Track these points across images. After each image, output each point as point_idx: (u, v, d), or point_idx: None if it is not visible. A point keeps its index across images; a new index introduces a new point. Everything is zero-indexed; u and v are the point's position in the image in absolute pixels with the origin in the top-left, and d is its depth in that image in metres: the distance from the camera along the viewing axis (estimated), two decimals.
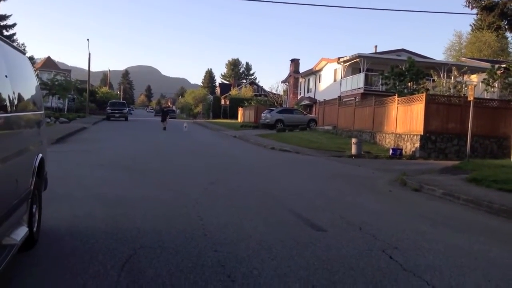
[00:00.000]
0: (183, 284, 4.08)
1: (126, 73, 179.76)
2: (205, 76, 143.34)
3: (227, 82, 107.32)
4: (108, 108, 49.97)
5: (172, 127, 35.90)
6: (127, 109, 54.24)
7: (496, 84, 28.41)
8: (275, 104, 53.28)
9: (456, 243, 6.10)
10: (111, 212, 6.80)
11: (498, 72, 28.55)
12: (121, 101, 63.60)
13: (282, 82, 60.58)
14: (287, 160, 17.73)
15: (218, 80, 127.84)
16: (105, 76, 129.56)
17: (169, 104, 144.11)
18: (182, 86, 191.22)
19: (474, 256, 5.49)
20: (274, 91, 62.33)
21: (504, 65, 30.30)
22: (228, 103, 72.12)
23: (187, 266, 4.53)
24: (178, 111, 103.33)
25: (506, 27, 15.66)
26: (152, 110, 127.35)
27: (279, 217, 7.14)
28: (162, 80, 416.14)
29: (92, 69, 56.97)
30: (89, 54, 53.74)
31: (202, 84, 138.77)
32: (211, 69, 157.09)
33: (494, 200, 9.09)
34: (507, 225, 7.60)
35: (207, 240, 5.54)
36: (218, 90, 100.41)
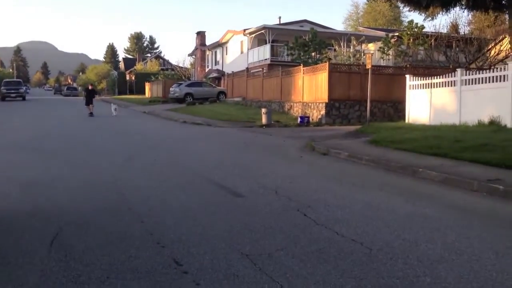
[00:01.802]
0: (115, 253, 4.26)
1: (18, 50, 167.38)
2: (106, 51, 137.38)
3: (131, 57, 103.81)
4: (3, 87, 46.54)
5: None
6: (24, 88, 50.86)
7: (390, 52, 30.46)
8: (183, 77, 52.73)
9: (360, 198, 6.78)
10: (27, 193, 6.69)
11: (392, 40, 30.63)
12: (17, 79, 59.34)
13: (189, 55, 59.94)
14: (200, 132, 17.95)
15: (122, 55, 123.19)
16: None
17: (69, 81, 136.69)
18: (82, 62, 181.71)
19: (376, 208, 6.18)
20: (181, 65, 61.53)
21: (397, 34, 32.51)
22: (134, 78, 70.07)
23: (116, 238, 4.71)
24: (79, 88, 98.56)
25: None
26: (51, 88, 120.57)
27: (199, 187, 7.43)
28: (59, 56, 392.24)
29: None
30: None
31: (104, 60, 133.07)
32: (112, 43, 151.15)
33: (391, 158, 10.06)
34: (402, 179, 8.51)
35: (132, 213, 5.70)
36: (122, 65, 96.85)
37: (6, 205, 5.97)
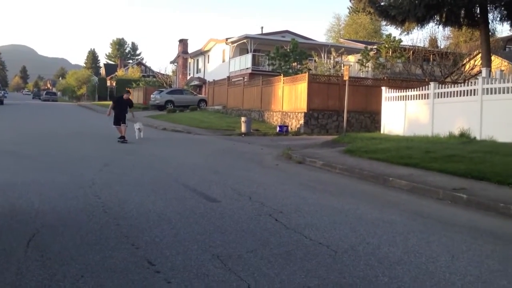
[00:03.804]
0: (90, 253, 4.41)
1: None
2: (87, 56, 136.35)
3: (112, 63, 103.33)
4: None
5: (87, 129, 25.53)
6: (2, 92, 50.27)
7: (369, 64, 31.06)
8: (165, 85, 52.76)
9: (331, 205, 7.05)
10: (4, 196, 6.76)
11: (371, 53, 31.24)
12: None
13: (171, 62, 60.05)
14: (179, 139, 18.08)
15: (103, 60, 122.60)
16: None
17: (49, 86, 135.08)
18: (62, 67, 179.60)
19: (345, 214, 6.45)
20: (163, 72, 61.60)
21: (376, 47, 33.19)
22: (114, 84, 69.75)
23: (92, 239, 4.86)
24: (59, 93, 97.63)
25: (375, 13, 17.31)
26: (30, 93, 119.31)
27: (175, 192, 7.60)
28: (39, 60, 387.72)
29: None
30: None
31: (84, 65, 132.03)
32: (94, 49, 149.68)
33: (364, 167, 10.38)
34: (373, 188, 8.82)
35: (108, 216, 5.85)
36: (103, 71, 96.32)
37: None
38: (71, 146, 14.38)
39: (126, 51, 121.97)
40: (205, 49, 46.02)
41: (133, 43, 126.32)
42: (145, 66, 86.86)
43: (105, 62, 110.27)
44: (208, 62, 46.59)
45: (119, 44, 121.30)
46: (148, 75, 71.82)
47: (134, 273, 3.99)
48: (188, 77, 52.13)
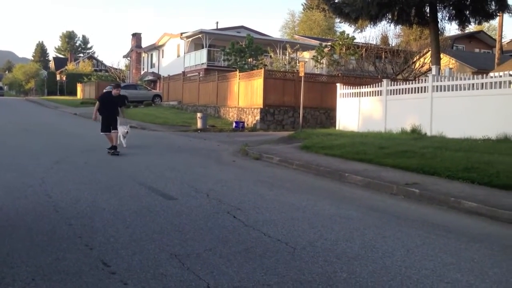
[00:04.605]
0: (41, 255, 4.23)
1: None
2: (36, 49, 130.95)
3: (62, 56, 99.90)
4: None
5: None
6: None
7: (324, 61, 31.46)
8: (118, 79, 51.55)
9: (288, 201, 7.07)
10: None
11: (325, 50, 31.66)
12: None
13: (124, 57, 58.67)
14: (134, 136, 17.66)
15: (52, 54, 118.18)
16: None
17: None
18: (8, 60, 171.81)
19: (302, 210, 6.48)
20: (115, 66, 60.19)
21: (330, 44, 33.66)
22: (65, 78, 67.52)
23: (43, 240, 4.65)
24: (6, 87, 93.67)
25: (330, 10, 17.53)
26: None
27: (130, 190, 7.42)
28: None
29: None
30: None
31: (32, 58, 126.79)
32: (42, 41, 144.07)
33: (321, 163, 10.50)
34: (330, 184, 8.93)
35: (59, 216, 5.63)
36: (52, 65, 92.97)
37: None
38: (19, 144, 13.79)
39: (77, 44, 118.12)
40: (160, 44, 45.29)
41: (84, 36, 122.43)
42: (97, 60, 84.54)
43: (55, 56, 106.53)
44: (162, 57, 45.88)
45: (69, 37, 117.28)
46: (100, 69, 70.05)
47: (88, 275, 3.85)
48: (142, 72, 51.16)
